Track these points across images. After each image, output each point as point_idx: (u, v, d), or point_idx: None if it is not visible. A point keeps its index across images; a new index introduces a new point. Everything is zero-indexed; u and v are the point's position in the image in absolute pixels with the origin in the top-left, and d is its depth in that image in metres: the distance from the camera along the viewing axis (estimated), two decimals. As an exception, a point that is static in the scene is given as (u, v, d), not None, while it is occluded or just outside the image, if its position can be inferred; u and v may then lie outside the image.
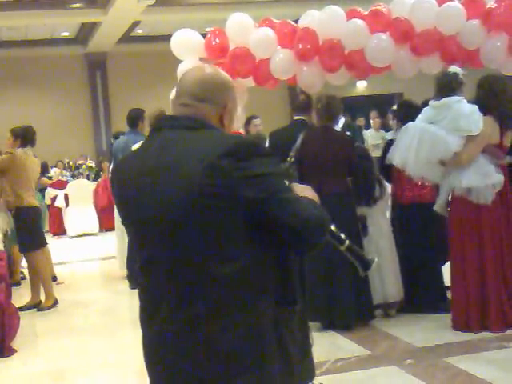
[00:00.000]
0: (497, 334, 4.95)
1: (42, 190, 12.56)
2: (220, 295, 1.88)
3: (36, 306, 7.15)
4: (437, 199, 5.31)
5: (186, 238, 1.90)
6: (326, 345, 5.04)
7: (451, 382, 4.23)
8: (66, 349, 5.74)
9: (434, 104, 5.20)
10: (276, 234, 1.91)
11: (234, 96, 2.09)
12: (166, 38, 6.64)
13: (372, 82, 17.11)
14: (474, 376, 4.23)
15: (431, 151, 5.07)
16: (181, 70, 5.82)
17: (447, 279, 5.54)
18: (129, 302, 7.17)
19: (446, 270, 5.55)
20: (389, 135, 11.16)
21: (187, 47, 6.08)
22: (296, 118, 6.15)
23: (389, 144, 5.83)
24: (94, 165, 15.69)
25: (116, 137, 9.23)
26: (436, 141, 5.05)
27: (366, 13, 5.97)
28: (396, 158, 5.32)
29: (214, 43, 5.97)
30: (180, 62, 6.06)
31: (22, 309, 6.86)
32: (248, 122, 7.43)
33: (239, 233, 1.89)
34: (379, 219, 5.75)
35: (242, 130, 6.63)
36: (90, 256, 11.10)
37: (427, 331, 5.23)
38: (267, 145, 6.40)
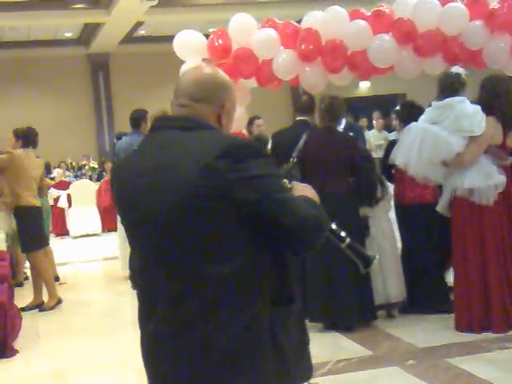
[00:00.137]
0: (499, 335, 4.95)
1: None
2: (216, 295, 1.88)
3: (38, 306, 7.15)
4: (439, 200, 5.31)
5: (182, 239, 1.90)
6: (328, 345, 5.02)
7: (453, 382, 4.22)
8: (68, 349, 5.75)
9: (436, 104, 5.20)
10: (273, 234, 1.91)
11: (232, 96, 2.09)
12: (169, 39, 6.63)
13: (375, 82, 17.10)
14: (475, 377, 4.23)
15: (433, 151, 5.07)
16: (183, 70, 5.83)
17: (450, 280, 5.53)
18: (131, 303, 7.15)
19: (449, 270, 5.55)
20: (391, 136, 11.15)
21: (190, 48, 6.08)
22: (299, 118, 6.15)
23: (391, 144, 5.84)
24: (96, 165, 15.68)
25: (119, 137, 9.21)
26: (438, 141, 5.05)
27: (368, 13, 5.97)
28: (398, 158, 5.33)
29: (216, 44, 5.97)
30: (183, 62, 6.05)
31: (24, 309, 6.87)
32: (251, 122, 7.43)
33: (235, 233, 1.89)
34: (381, 220, 5.75)
35: (244, 131, 6.62)
36: (92, 256, 11.12)
37: (429, 332, 5.23)
38: (270, 145, 6.41)
